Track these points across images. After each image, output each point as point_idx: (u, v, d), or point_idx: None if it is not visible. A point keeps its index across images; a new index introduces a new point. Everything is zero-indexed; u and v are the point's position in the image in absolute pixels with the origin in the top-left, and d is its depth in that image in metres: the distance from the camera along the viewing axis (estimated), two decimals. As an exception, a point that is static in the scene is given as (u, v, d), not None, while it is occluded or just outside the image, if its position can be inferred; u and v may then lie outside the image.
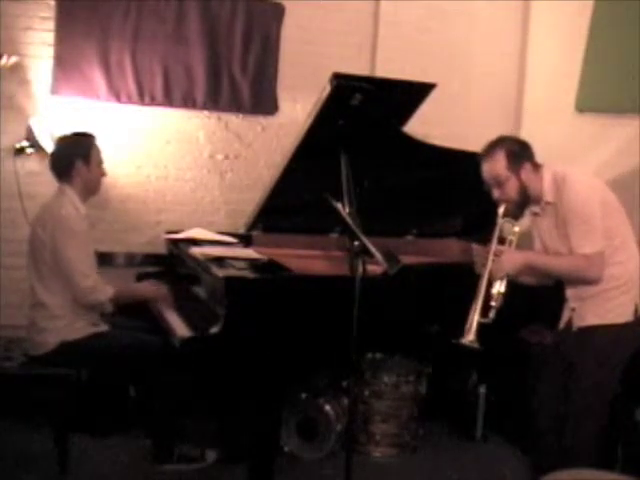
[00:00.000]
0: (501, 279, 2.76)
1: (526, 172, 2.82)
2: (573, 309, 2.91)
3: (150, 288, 3.60)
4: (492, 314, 2.72)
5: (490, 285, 2.76)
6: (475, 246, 2.94)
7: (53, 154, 3.51)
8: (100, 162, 3.49)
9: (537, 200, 2.86)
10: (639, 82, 3.83)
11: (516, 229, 2.88)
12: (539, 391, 3.01)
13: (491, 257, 2.78)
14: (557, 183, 2.80)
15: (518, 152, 2.83)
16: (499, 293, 2.76)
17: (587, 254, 2.72)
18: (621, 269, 2.79)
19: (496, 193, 2.86)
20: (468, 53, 4.87)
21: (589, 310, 2.84)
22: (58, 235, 3.27)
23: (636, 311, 2.81)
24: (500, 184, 2.83)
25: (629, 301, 2.81)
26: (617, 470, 3.18)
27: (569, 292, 2.92)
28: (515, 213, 2.88)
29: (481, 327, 2.68)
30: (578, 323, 2.88)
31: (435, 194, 3.87)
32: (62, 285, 3.30)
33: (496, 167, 2.83)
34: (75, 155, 3.39)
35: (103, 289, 3.34)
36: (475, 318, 2.69)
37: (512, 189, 2.82)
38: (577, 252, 2.74)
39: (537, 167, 2.86)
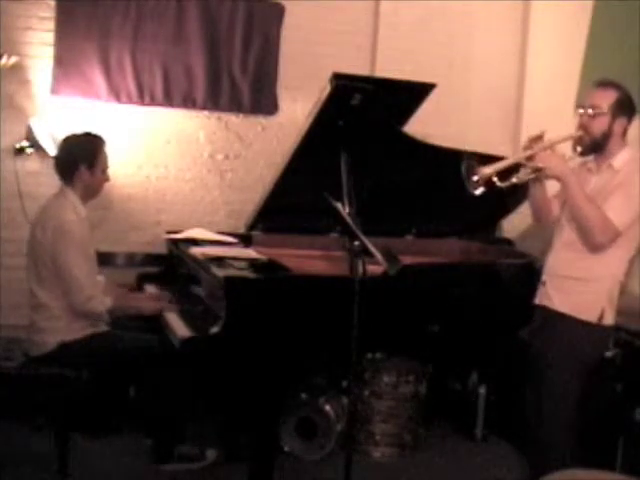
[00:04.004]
0: (535, 168, 2.77)
1: (619, 125, 2.82)
2: (544, 283, 2.94)
3: (150, 305, 3.51)
4: (506, 184, 2.75)
5: (523, 166, 2.79)
6: (539, 133, 2.89)
7: (58, 154, 3.48)
8: (105, 168, 3.45)
9: (602, 158, 2.86)
10: (639, 82, 3.83)
11: (578, 151, 2.87)
12: (527, 386, 3.03)
13: (546, 147, 2.78)
14: (632, 160, 2.80)
15: (626, 105, 2.83)
16: (525, 176, 2.79)
17: (609, 219, 2.71)
18: (603, 267, 2.80)
19: (584, 119, 2.83)
20: (468, 53, 4.87)
21: (557, 293, 2.87)
22: (58, 241, 3.25)
23: (602, 315, 2.81)
24: (593, 115, 2.80)
25: (596, 302, 2.81)
26: (617, 470, 3.18)
27: (547, 262, 2.96)
28: (583, 147, 2.86)
29: (490, 185, 2.69)
30: (545, 301, 2.92)
31: (435, 194, 3.86)
32: (61, 289, 3.29)
33: (601, 99, 2.81)
34: (80, 159, 3.35)
35: (101, 299, 3.31)
36: (496, 167, 2.70)
37: (599, 126, 2.81)
38: (605, 212, 2.73)
39: (625, 133, 2.86)
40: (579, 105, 2.89)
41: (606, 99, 2.81)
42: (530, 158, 2.78)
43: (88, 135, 3.48)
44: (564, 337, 2.83)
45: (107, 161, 3.47)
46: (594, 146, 2.85)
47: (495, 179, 2.72)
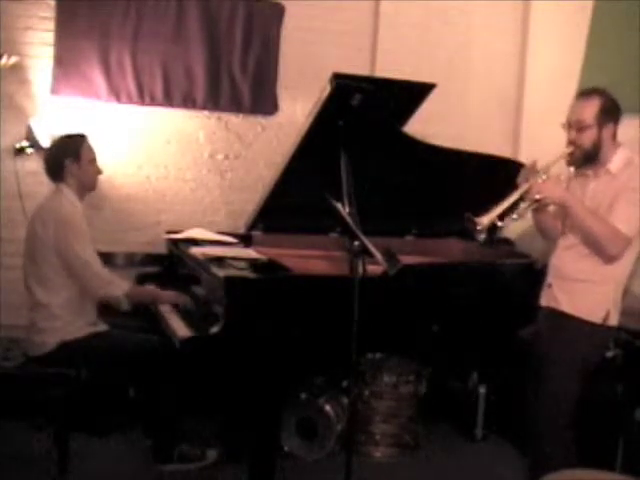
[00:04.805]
0: (533, 200, 2.78)
1: (608, 132, 2.83)
2: (550, 285, 2.94)
3: (168, 294, 3.55)
4: (507, 222, 2.76)
5: (522, 200, 2.79)
6: (531, 164, 2.92)
7: (45, 157, 3.51)
8: (92, 160, 3.48)
9: (598, 164, 2.86)
10: (639, 82, 3.83)
11: (571, 169, 2.90)
12: (527, 386, 3.03)
13: (539, 176, 2.79)
14: (628, 161, 2.81)
15: (611, 110, 2.83)
16: (525, 210, 2.80)
17: (618, 230, 2.72)
18: (608, 269, 2.80)
19: (572, 134, 2.84)
20: (468, 53, 4.87)
21: (564, 295, 2.87)
22: (62, 233, 3.26)
23: (607, 317, 2.82)
24: (580, 129, 2.81)
25: (602, 303, 2.83)
26: (617, 470, 3.18)
27: (551, 264, 2.97)
28: (576, 161, 2.87)
29: (492, 228, 2.72)
30: (552, 304, 2.92)
31: (435, 194, 3.87)
32: (63, 283, 3.30)
33: (586, 111, 2.81)
34: (64, 155, 3.39)
35: (119, 283, 3.36)
36: (495, 213, 2.71)
37: (588, 139, 2.81)
38: (611, 222, 2.74)
39: (616, 136, 2.87)
40: (566, 121, 2.87)
41: (590, 109, 2.81)
42: (526, 191, 2.78)
43: (68, 135, 3.52)
44: (568, 337, 2.84)
45: (93, 152, 3.48)
46: (587, 158, 2.85)
47: (497, 222, 2.73)
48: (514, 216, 2.77)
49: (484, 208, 2.75)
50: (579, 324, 2.83)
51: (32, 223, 3.39)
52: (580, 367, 2.84)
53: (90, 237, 3.43)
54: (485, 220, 2.70)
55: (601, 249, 2.77)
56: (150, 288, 3.74)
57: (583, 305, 2.84)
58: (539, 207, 2.86)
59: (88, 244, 3.36)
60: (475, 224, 2.71)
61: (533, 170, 2.85)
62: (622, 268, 2.85)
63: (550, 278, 2.97)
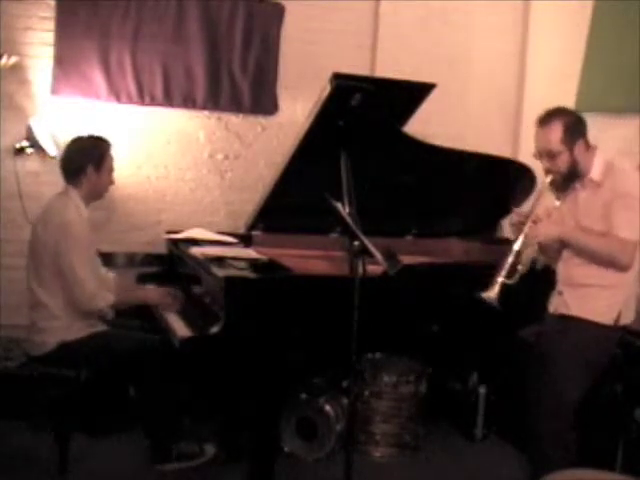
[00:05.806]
0: (532, 245, 2.79)
1: (579, 148, 2.80)
2: (560, 292, 2.94)
3: (153, 293, 3.56)
4: (516, 277, 2.75)
5: (521, 253, 2.79)
6: (516, 210, 2.93)
7: (66, 155, 3.44)
8: (111, 170, 3.46)
9: (581, 176, 2.85)
10: (639, 82, 3.83)
11: (556, 203, 2.90)
12: (528, 386, 3.04)
13: (529, 223, 2.78)
14: (608, 166, 2.80)
15: (576, 127, 2.81)
16: (527, 258, 2.81)
17: (623, 239, 2.72)
18: (616, 273, 2.80)
19: (546, 163, 2.83)
20: (468, 53, 4.87)
21: (575, 301, 2.87)
22: (61, 240, 3.25)
23: (618, 318, 2.83)
24: (552, 156, 2.80)
25: (613, 305, 2.83)
26: (617, 470, 3.18)
27: (559, 273, 2.96)
28: (559, 186, 2.88)
29: (504, 288, 2.72)
30: (562, 310, 2.92)
31: (435, 194, 3.87)
32: (61, 287, 3.29)
33: (551, 139, 2.79)
34: (88, 160, 3.36)
35: (103, 296, 3.31)
36: (500, 277, 2.72)
37: (563, 163, 2.81)
38: (614, 234, 2.74)
39: (589, 145, 2.85)
40: (535, 151, 2.87)
41: (554, 136, 2.79)
42: (523, 241, 2.78)
43: (95, 137, 3.48)
44: (575, 338, 2.84)
45: (113, 163, 3.48)
46: (568, 179, 2.86)
47: (506, 281, 2.73)
48: (519, 267, 2.77)
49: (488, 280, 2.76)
50: (588, 326, 2.83)
51: (36, 224, 3.38)
52: (585, 370, 2.84)
53: (91, 242, 3.41)
54: (492, 294, 2.72)
55: (613, 262, 2.77)
56: (134, 294, 3.66)
57: (594, 309, 2.83)
58: (540, 248, 2.88)
59: (85, 255, 3.30)
60: (486, 298, 2.72)
61: (522, 218, 2.83)
62: (629, 273, 2.84)
63: (560, 286, 2.96)
